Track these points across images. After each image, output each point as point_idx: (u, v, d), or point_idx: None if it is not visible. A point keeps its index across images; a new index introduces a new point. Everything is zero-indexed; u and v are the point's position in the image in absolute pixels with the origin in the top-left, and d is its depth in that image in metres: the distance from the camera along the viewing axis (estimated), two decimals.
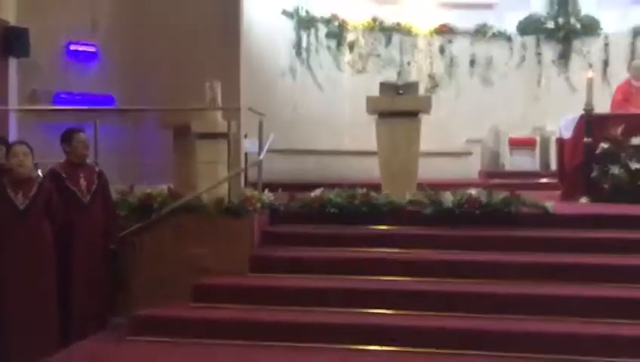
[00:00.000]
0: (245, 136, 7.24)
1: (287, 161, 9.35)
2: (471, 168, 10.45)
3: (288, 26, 9.81)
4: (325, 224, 5.16)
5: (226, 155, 5.03)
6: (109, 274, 4.58)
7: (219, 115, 5.35)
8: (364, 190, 5.28)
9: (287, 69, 9.80)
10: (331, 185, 5.69)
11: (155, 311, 4.31)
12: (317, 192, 5.31)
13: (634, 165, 6.15)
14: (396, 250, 4.84)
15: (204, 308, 4.36)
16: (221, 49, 6.49)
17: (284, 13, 9.77)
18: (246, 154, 7.38)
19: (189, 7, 6.81)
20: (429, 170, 9.66)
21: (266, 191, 5.29)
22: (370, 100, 5.94)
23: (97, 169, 4.72)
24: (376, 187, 5.72)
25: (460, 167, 10.39)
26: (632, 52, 10.19)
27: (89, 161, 4.76)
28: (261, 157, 5.19)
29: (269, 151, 7.48)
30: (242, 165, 6.70)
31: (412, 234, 4.99)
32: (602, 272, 4.35)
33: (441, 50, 10.80)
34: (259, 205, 4.87)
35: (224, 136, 5.03)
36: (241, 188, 5.35)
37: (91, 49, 7.57)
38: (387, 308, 4.23)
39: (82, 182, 4.47)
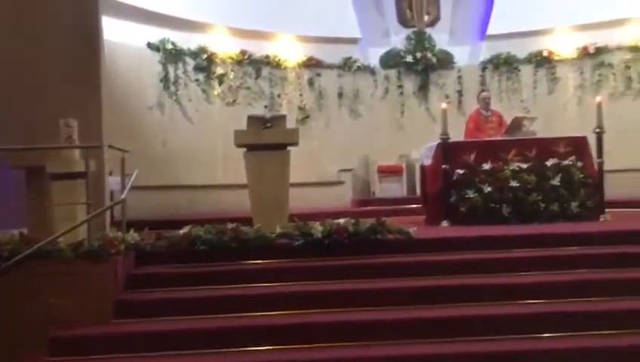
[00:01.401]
0: (110, 174, 6.91)
1: (158, 197, 9.05)
2: (344, 197, 10.75)
3: (154, 60, 9.60)
4: (195, 262, 5.04)
5: (85, 196, 4.75)
6: None
7: (76, 153, 5.06)
8: (234, 225, 5.21)
9: (154, 103, 9.55)
10: (202, 221, 5.57)
11: None
12: (185, 229, 5.16)
13: (486, 189, 6.63)
14: (268, 285, 4.80)
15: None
16: (79, 84, 6.15)
17: (150, 46, 9.56)
18: (112, 192, 7.04)
19: (43, 41, 6.42)
20: (303, 200, 9.82)
21: (132, 231, 5.06)
22: (237, 134, 5.94)
23: None
24: (250, 220, 5.69)
25: (333, 196, 10.66)
26: (482, 83, 11.09)
27: None
28: (123, 195, 4.96)
29: (138, 188, 7.16)
30: (107, 205, 6.37)
31: (283, 268, 4.99)
32: (462, 293, 4.58)
33: (310, 83, 11.10)
34: (122, 247, 4.64)
35: (82, 175, 4.76)
36: (103, 229, 5.07)
37: None
38: (262, 345, 4.16)
39: None
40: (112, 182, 6.89)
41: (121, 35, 8.99)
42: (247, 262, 5.05)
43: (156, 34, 9.62)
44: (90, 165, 4.69)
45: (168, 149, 9.58)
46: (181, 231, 5.16)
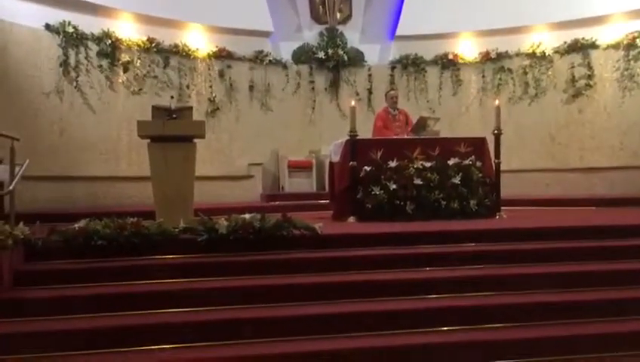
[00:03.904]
0: (0, 163, 6.46)
1: (54, 189, 8.58)
2: (253, 191, 10.66)
3: (53, 43, 9.04)
4: (92, 258, 4.78)
5: None
6: None
7: None
8: (135, 219, 5.00)
9: (52, 88, 9.00)
10: (102, 215, 5.31)
11: None
12: (81, 223, 4.89)
13: (392, 186, 6.77)
14: (170, 281, 4.65)
15: None
16: None
17: (49, 28, 8.99)
18: (2, 183, 6.58)
19: None
20: (211, 194, 9.67)
21: (21, 224, 4.72)
22: (140, 124, 5.69)
23: None
24: (154, 214, 5.48)
25: (243, 190, 10.56)
26: (391, 82, 11.33)
27: None
28: (12, 186, 4.64)
29: (32, 178, 6.74)
30: None
31: (187, 263, 4.84)
32: (365, 288, 4.63)
33: (221, 75, 10.88)
34: (10, 241, 4.32)
35: None
36: None
37: None
38: (163, 344, 4.01)
39: None
40: (2, 171, 6.43)
41: (16, 15, 8.41)
42: (147, 257, 4.86)
43: (56, 16, 9.06)
44: None
45: (66, 138, 9.08)
46: (77, 225, 4.89)
